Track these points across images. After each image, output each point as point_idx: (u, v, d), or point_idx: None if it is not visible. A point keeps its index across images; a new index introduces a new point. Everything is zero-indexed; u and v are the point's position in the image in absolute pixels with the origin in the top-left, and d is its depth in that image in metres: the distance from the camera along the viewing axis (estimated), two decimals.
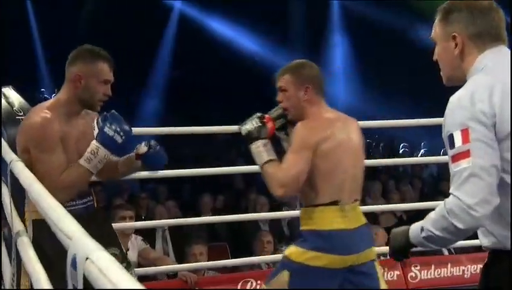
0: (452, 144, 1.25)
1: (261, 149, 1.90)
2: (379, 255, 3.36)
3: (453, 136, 1.25)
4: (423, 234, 1.34)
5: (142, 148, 1.91)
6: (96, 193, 5.43)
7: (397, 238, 1.45)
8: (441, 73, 1.40)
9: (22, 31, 10.02)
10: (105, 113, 1.81)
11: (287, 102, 1.94)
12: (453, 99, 1.29)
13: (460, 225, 1.24)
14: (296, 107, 1.93)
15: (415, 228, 1.38)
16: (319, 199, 1.86)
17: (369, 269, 1.91)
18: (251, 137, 1.93)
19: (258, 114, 1.98)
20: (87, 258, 0.67)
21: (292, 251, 1.87)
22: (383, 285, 1.94)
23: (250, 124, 1.94)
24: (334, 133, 1.88)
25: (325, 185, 1.86)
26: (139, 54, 10.00)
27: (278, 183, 1.83)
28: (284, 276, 1.85)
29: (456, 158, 1.24)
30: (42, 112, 1.80)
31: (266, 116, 1.97)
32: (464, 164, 1.23)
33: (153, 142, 1.97)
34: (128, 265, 1.98)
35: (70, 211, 1.69)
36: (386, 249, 3.35)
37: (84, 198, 1.87)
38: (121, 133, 1.73)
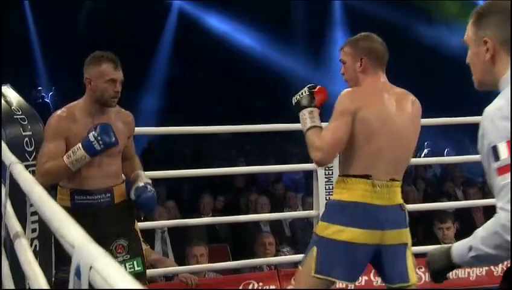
0: (497, 156, 1.22)
1: (305, 116, 1.96)
2: None
3: (497, 148, 1.22)
4: (472, 254, 1.30)
5: (132, 196, 2.16)
6: None
7: (437, 260, 1.42)
8: (473, 77, 1.38)
9: (19, 30, 10.03)
10: (100, 123, 2.07)
11: (346, 74, 2.00)
12: (492, 109, 1.26)
13: None
14: (353, 79, 1.97)
15: (459, 247, 1.36)
16: (351, 170, 1.90)
17: (399, 252, 1.91)
18: (298, 106, 1.99)
19: (309, 85, 2.04)
20: (91, 267, 0.67)
21: (318, 225, 1.92)
22: (412, 277, 1.92)
23: (299, 94, 2.01)
24: (374, 103, 1.90)
25: (358, 156, 1.89)
26: (138, 52, 10.00)
27: (315, 147, 1.88)
28: (313, 252, 1.89)
29: (502, 171, 1.21)
30: (61, 109, 2.17)
31: (319, 86, 2.03)
32: None
33: (143, 187, 2.16)
34: (132, 257, 2.13)
35: (81, 204, 2.06)
36: None
37: (101, 193, 2.12)
38: (100, 142, 2.02)
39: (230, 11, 10.76)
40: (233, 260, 3.74)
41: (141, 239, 2.26)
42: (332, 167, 2.78)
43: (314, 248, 1.89)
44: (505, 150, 1.21)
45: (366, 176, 1.88)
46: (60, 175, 2.09)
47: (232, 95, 10.67)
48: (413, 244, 3.87)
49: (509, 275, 1.32)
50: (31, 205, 1.97)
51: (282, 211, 4.47)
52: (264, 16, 10.38)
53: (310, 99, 1.98)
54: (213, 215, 4.34)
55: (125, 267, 2.14)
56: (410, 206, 4.32)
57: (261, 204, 4.51)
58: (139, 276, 2.16)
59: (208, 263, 3.23)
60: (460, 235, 3.65)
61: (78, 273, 0.71)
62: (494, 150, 1.23)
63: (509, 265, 1.33)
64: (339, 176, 1.95)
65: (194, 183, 5.76)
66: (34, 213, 2.09)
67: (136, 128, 2.31)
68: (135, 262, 2.17)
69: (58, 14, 9.72)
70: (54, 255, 2.30)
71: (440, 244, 3.51)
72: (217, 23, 11.17)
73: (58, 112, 2.16)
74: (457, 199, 5.10)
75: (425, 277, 3.25)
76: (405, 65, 10.13)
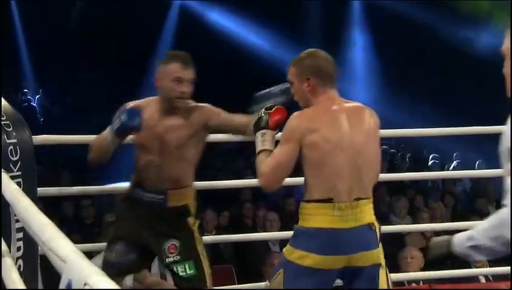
0: None
1: (257, 139, 2.09)
2: (412, 281, 3.37)
3: None
4: (471, 243, 1.48)
5: None
6: (86, 208, 5.41)
7: (438, 246, 1.61)
8: (506, 86, 1.49)
9: (4, 28, 10.12)
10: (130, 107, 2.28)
11: (296, 95, 2.13)
12: None
13: None
14: (303, 99, 2.10)
15: (460, 236, 1.54)
16: (311, 195, 2.01)
17: (369, 274, 2.02)
18: (254, 128, 2.13)
19: (268, 104, 2.18)
20: (85, 284, 0.68)
21: (286, 247, 2.07)
22: None
23: (257, 115, 2.15)
24: (324, 125, 2.01)
25: (316, 180, 2.01)
26: (135, 52, 10.06)
27: (259, 172, 2.03)
28: (280, 274, 2.03)
29: None
30: (138, 100, 2.40)
31: (277, 106, 2.15)
32: None
33: None
34: (183, 259, 2.30)
35: (135, 198, 2.36)
36: (422, 274, 3.35)
37: (155, 193, 2.33)
38: (119, 121, 2.20)
39: (236, 8, 10.80)
40: (238, 283, 3.74)
41: (201, 242, 2.41)
42: None
43: (282, 270, 2.03)
44: None
45: (328, 200, 1.98)
46: (99, 145, 2.28)
47: (236, 97, 10.69)
48: (441, 268, 3.87)
49: None
50: (17, 221, 1.99)
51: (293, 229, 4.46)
52: (274, 14, 10.42)
53: (265, 120, 2.10)
54: (216, 233, 4.34)
55: (177, 269, 2.32)
56: (438, 225, 4.31)
57: (270, 221, 4.51)
58: (191, 280, 2.32)
59: (211, 286, 3.22)
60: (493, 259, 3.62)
61: (69, 288, 0.72)
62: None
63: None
64: (301, 201, 2.06)
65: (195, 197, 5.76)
66: (20, 230, 2.11)
67: (131, 135, 2.36)
68: (187, 265, 2.32)
69: (46, 12, 9.82)
70: None
71: (471, 268, 3.49)
72: (221, 20, 11.22)
73: (134, 102, 2.39)
74: None
75: None
76: (432, 67, 10.13)
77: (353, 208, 2.00)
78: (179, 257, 2.33)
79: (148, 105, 2.35)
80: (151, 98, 2.39)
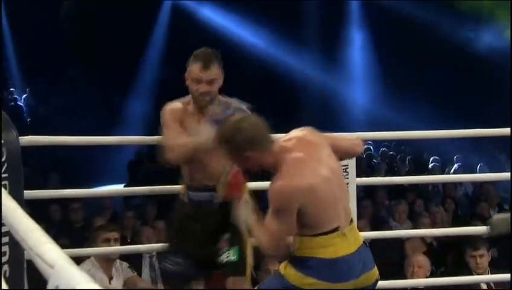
0: None
1: (242, 206, 2.20)
2: (414, 288, 3.38)
3: None
4: None
5: None
6: (75, 211, 5.38)
7: (500, 225, 1.69)
8: None
9: None
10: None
11: (245, 169, 2.20)
12: None
13: None
14: (255, 170, 2.12)
15: None
16: (317, 230, 2.04)
17: None
18: None
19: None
20: None
21: (290, 272, 2.07)
22: None
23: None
24: (309, 178, 2.01)
25: (320, 220, 2.04)
26: (125, 51, 10.05)
27: (265, 247, 2.07)
28: None
29: None
30: (177, 101, 2.51)
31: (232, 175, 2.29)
32: None
33: None
34: (230, 246, 2.38)
35: (193, 199, 2.45)
36: (424, 281, 3.36)
37: (208, 191, 2.42)
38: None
39: (233, 6, 10.82)
40: None
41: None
42: (348, 176, 2.79)
43: None
44: None
45: (335, 229, 2.04)
46: (181, 148, 2.38)
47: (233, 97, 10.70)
48: (442, 274, 3.87)
49: None
50: (2, 225, 1.98)
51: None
52: (271, 12, 10.43)
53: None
54: None
55: (223, 258, 2.42)
56: (438, 231, 4.31)
57: None
58: (232, 266, 2.41)
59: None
60: (496, 265, 3.62)
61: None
62: None
63: None
64: (305, 235, 2.06)
65: None
66: (5, 234, 2.10)
67: (122, 137, 2.39)
68: (232, 251, 2.41)
69: (34, 8, 9.80)
70: None
71: (472, 274, 3.50)
72: (215, 18, 11.23)
73: (172, 103, 2.49)
74: None
75: None
76: (432, 67, 10.17)
77: (351, 230, 2.08)
78: (229, 246, 2.42)
79: (188, 104, 2.46)
80: (188, 97, 2.49)
